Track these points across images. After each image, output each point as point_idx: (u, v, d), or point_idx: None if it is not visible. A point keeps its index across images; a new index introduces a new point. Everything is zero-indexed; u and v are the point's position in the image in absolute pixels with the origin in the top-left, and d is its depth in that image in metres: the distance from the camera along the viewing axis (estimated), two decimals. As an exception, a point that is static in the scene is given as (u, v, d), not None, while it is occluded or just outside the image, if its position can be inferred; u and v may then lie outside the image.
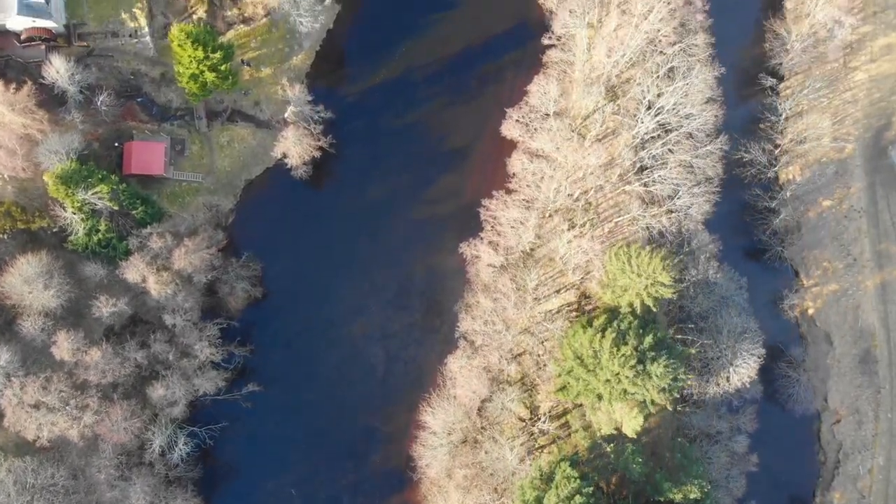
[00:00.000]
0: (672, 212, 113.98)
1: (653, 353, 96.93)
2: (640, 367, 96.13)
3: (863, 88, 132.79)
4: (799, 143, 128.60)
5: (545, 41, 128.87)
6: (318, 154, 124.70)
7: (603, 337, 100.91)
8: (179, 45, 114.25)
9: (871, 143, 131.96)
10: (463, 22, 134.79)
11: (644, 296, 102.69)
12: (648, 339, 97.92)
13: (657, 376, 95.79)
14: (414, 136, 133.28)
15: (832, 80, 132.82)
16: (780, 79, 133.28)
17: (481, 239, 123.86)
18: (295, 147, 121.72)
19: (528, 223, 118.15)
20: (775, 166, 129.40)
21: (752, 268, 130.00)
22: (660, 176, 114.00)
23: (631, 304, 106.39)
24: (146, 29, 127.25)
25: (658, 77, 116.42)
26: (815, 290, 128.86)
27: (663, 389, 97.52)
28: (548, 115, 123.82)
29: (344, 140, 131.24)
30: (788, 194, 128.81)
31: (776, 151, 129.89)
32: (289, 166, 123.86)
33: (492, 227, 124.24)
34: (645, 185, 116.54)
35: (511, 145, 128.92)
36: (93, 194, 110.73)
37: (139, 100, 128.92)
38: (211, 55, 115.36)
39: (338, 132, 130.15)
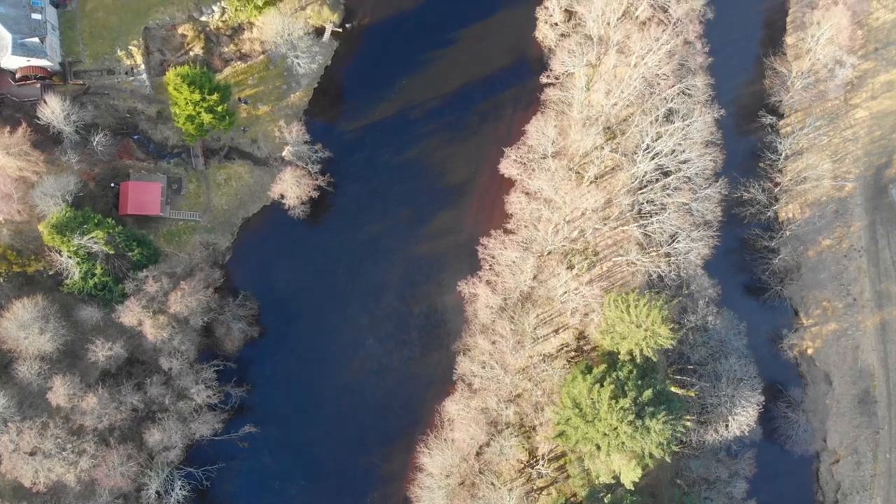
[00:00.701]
0: (670, 256, 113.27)
1: (652, 409, 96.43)
2: (638, 422, 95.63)
3: (864, 126, 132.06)
4: (799, 181, 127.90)
5: (543, 79, 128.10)
6: (315, 194, 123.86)
7: (601, 387, 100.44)
8: (175, 89, 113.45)
9: (871, 182, 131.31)
10: (461, 58, 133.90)
11: (643, 346, 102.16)
12: (647, 393, 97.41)
13: (656, 432, 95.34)
14: (412, 172, 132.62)
15: (833, 117, 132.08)
16: (780, 116, 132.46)
17: (479, 277, 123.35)
18: (292, 188, 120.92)
19: (525, 265, 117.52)
20: (775, 205, 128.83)
21: (752, 306, 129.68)
22: (658, 220, 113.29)
23: (630, 352, 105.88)
24: (142, 66, 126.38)
25: (656, 119, 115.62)
26: (815, 330, 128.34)
27: (661, 444, 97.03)
28: (545, 156, 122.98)
29: (342, 176, 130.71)
30: (788, 233, 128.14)
31: (776, 190, 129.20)
32: (286, 207, 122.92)
33: (490, 266, 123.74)
34: (643, 228, 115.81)
35: (509, 182, 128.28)
36: (88, 239, 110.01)
37: (135, 137, 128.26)
38: (207, 97, 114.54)
39: (336, 169, 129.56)
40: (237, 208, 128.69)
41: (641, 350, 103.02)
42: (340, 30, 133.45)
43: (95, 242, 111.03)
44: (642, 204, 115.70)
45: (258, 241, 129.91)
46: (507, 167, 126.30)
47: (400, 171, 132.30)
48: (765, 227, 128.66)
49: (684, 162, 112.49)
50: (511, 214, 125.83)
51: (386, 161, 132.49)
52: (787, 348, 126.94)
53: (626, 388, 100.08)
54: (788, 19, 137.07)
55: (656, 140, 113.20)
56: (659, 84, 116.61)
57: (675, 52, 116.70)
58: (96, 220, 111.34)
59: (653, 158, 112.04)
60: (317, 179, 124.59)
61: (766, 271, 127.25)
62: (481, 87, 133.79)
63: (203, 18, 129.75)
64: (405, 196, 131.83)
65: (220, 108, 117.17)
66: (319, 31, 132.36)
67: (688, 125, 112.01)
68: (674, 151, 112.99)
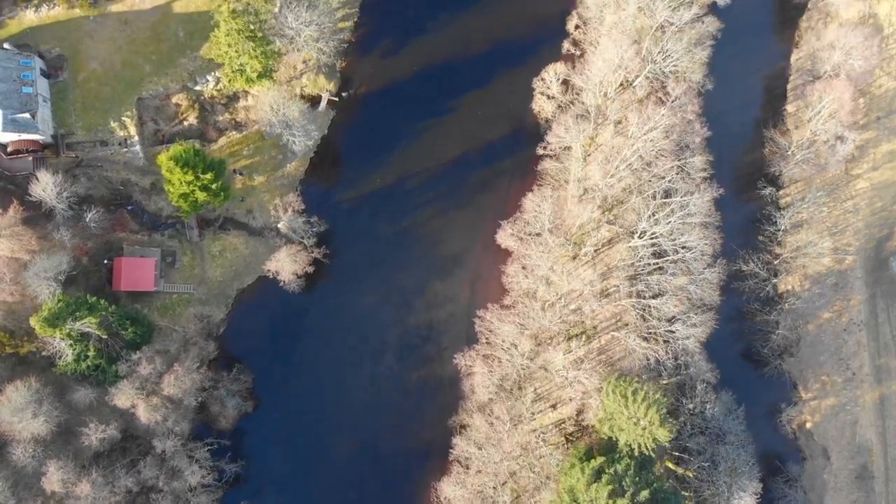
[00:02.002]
0: (669, 342, 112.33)
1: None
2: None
3: (864, 197, 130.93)
4: (798, 254, 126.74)
5: (540, 151, 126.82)
6: (311, 269, 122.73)
7: (600, 483, 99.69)
8: (168, 171, 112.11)
9: (872, 254, 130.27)
10: (457, 127, 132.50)
11: (641, 443, 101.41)
12: (645, 494, 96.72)
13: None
14: (409, 241, 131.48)
15: (833, 188, 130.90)
16: (780, 187, 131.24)
17: (476, 351, 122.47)
18: (288, 265, 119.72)
19: (522, 345, 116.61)
20: (774, 278, 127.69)
21: (750, 378, 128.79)
22: (656, 303, 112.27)
23: (629, 444, 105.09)
24: (136, 138, 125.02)
25: (654, 198, 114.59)
26: (814, 404, 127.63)
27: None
28: (541, 233, 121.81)
29: (338, 245, 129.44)
30: (787, 306, 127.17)
31: (775, 262, 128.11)
32: (282, 281, 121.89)
33: (486, 340, 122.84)
34: (641, 312, 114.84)
35: (506, 253, 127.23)
36: (81, 324, 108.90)
37: (129, 208, 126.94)
38: (201, 176, 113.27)
39: (332, 238, 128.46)
40: (232, 280, 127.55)
41: (640, 445, 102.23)
42: (337, 99, 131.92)
43: (88, 327, 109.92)
44: (640, 289, 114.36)
45: (253, 311, 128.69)
46: (504, 239, 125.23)
47: (396, 240, 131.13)
48: (764, 301, 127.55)
49: (683, 247, 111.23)
50: (508, 286, 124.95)
51: (382, 230, 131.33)
52: (785, 422, 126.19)
53: (624, 483, 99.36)
54: (789, 87, 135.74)
55: (654, 224, 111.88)
56: (656, 163, 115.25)
57: (672, 131, 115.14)
58: (88, 305, 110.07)
59: (651, 246, 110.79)
60: (312, 253, 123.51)
61: (766, 346, 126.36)
62: (477, 156, 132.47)
63: (197, 88, 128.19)
64: (401, 265, 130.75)
65: (214, 186, 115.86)
66: (316, 100, 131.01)
67: (686, 211, 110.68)
68: (671, 233, 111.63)
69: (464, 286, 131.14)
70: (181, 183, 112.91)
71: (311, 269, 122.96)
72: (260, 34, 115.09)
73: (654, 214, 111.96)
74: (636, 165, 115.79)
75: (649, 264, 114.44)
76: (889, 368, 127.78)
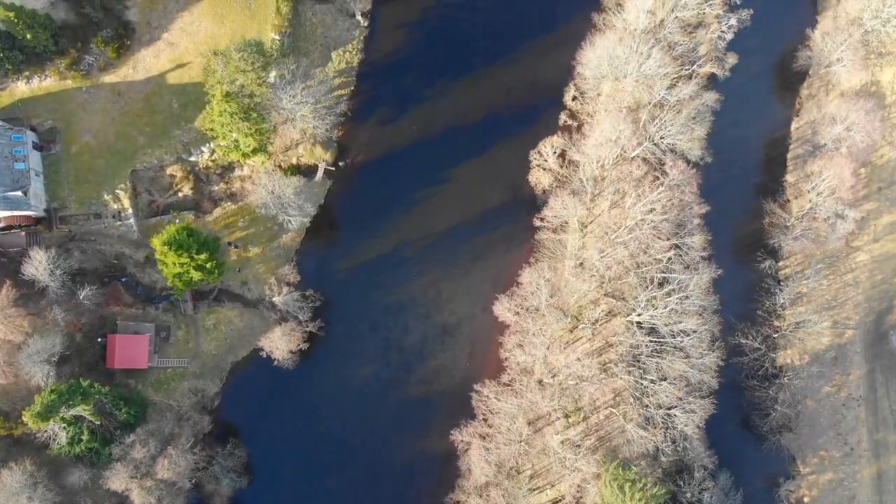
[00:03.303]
0: (667, 429, 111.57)
1: None
2: None
3: (865, 270, 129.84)
4: (797, 328, 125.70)
5: (537, 222, 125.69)
6: (305, 346, 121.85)
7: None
8: (162, 254, 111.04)
9: (871, 328, 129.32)
10: (454, 196, 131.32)
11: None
12: None
13: None
14: (405, 312, 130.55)
15: (833, 260, 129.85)
16: (779, 259, 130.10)
17: (473, 427, 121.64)
18: (282, 344, 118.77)
19: (518, 427, 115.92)
20: (773, 352, 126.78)
21: (749, 452, 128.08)
22: (654, 388, 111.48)
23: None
24: (130, 210, 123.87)
25: (651, 285, 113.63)
26: (812, 479, 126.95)
27: None
28: (538, 308, 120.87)
29: (334, 315, 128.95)
30: (786, 381, 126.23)
31: (774, 336, 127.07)
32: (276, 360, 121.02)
33: (483, 417, 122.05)
34: (639, 396, 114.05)
35: (503, 325, 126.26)
36: (75, 412, 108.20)
37: (123, 280, 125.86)
38: (196, 256, 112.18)
39: (328, 309, 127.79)
40: (226, 353, 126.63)
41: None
42: (333, 168, 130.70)
43: (82, 412, 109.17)
44: (638, 374, 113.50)
45: (248, 384, 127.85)
46: (502, 313, 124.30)
47: (393, 310, 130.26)
48: (762, 377, 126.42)
49: (681, 332, 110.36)
50: (506, 361, 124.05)
51: (379, 300, 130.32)
52: (783, 496, 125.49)
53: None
54: (789, 156, 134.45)
55: (651, 309, 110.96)
56: (653, 245, 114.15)
57: (669, 211, 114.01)
58: (82, 391, 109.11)
59: (649, 331, 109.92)
60: (307, 328, 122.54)
61: (765, 422, 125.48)
62: (474, 225, 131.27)
63: (192, 159, 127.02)
64: (398, 336, 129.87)
65: (209, 265, 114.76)
66: (312, 170, 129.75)
67: (684, 293, 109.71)
68: (669, 318, 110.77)
69: (461, 356, 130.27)
70: (175, 264, 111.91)
71: (305, 346, 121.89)
72: (255, 114, 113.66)
73: (651, 300, 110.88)
74: (633, 247, 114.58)
75: (647, 346, 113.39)
76: (887, 443, 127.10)
